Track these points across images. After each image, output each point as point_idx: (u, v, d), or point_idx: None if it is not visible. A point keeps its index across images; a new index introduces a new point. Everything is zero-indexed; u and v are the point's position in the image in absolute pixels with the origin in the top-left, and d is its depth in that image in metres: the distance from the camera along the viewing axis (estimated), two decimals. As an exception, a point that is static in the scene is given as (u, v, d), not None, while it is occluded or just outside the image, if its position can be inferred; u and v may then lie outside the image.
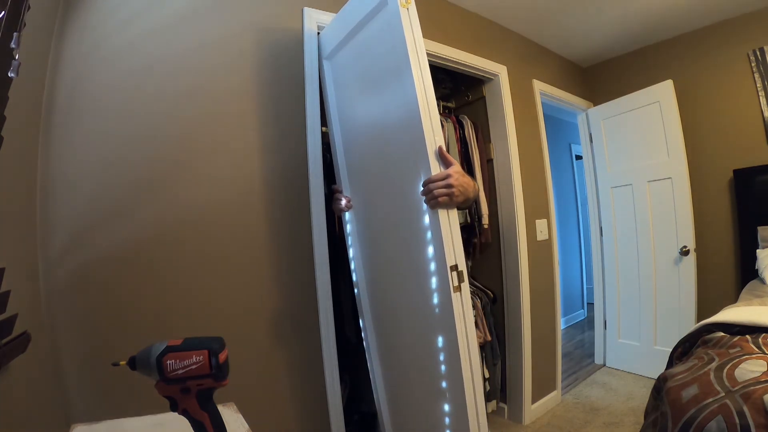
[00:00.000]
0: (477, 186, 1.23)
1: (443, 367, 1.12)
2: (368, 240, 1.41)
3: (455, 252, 1.09)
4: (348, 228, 1.47)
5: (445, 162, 1.09)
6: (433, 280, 1.12)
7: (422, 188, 1.09)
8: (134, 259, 1.16)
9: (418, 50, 1.10)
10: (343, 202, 1.43)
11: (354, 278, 1.48)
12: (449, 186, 1.05)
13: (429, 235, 1.12)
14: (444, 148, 1.10)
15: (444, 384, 1.13)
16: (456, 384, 1.08)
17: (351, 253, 1.47)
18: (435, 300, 1.12)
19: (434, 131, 1.10)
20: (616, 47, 2.85)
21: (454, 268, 1.07)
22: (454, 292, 1.06)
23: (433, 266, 1.12)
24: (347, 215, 1.46)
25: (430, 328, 1.15)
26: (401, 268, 1.26)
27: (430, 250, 1.12)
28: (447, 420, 1.13)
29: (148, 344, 0.59)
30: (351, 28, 1.31)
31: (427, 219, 1.12)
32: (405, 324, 1.28)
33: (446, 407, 1.14)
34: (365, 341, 1.47)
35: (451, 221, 1.10)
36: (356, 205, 1.43)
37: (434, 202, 1.07)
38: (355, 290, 1.48)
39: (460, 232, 1.11)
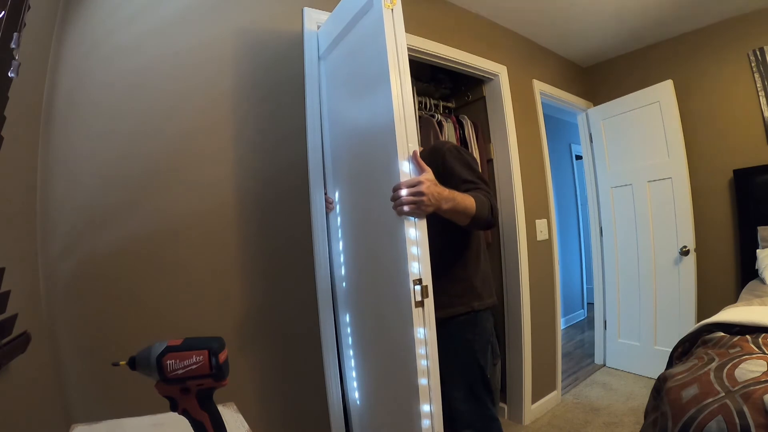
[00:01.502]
0: (469, 200, 1.10)
1: (416, 371, 1.06)
2: (353, 235, 1.42)
3: (420, 265, 1.03)
4: (338, 221, 1.49)
5: (418, 168, 1.04)
6: (405, 282, 1.06)
7: (392, 193, 1.04)
8: (135, 259, 1.16)
9: (399, 52, 1.08)
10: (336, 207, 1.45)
11: (342, 272, 1.48)
12: (419, 194, 0.99)
13: (400, 236, 1.07)
14: (417, 154, 1.04)
15: (416, 386, 1.06)
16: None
17: (340, 246, 1.48)
18: (405, 303, 1.06)
19: (407, 135, 1.05)
20: (616, 47, 2.85)
21: (418, 282, 1.01)
22: (416, 307, 1.01)
23: (403, 266, 1.06)
24: (337, 209, 1.48)
25: (403, 331, 1.09)
26: (379, 268, 1.23)
27: (400, 251, 1.07)
28: (426, 422, 1.08)
29: (148, 344, 0.59)
30: (342, 29, 1.32)
31: (398, 221, 1.07)
32: (383, 322, 1.25)
33: (423, 407, 1.08)
34: (350, 336, 1.47)
35: (418, 231, 1.04)
36: (342, 202, 1.45)
37: (400, 209, 1.01)
38: (343, 284, 1.48)
39: (428, 243, 1.05)
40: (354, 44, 1.27)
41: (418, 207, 1.00)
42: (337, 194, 1.48)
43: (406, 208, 1.00)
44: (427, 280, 1.04)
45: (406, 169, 1.05)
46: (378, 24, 1.09)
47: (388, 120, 1.06)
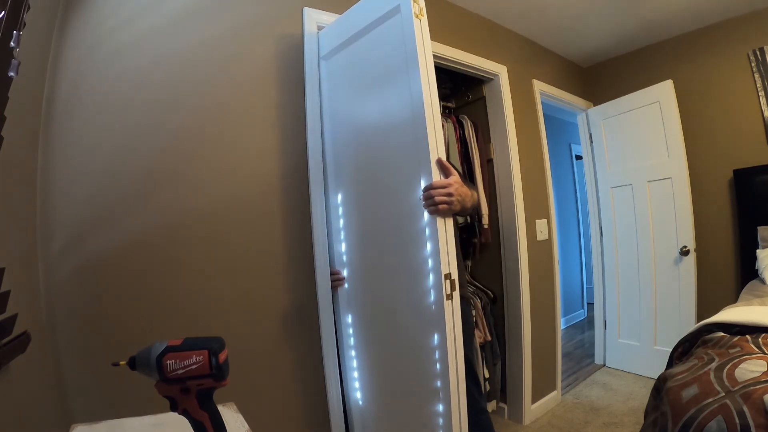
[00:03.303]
0: (476, 195, 1.28)
1: (437, 366, 1.14)
2: (359, 237, 1.42)
3: (449, 260, 1.11)
4: (341, 223, 1.48)
5: (445, 172, 1.12)
6: (429, 280, 1.14)
7: (422, 193, 1.11)
8: (135, 258, 1.16)
9: (428, 61, 1.14)
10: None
11: (345, 274, 1.48)
12: (450, 195, 1.08)
13: (425, 236, 1.14)
14: (444, 159, 1.13)
15: (436, 383, 1.14)
16: (443, 384, 1.11)
17: (342, 248, 1.48)
18: (431, 298, 1.13)
19: (437, 142, 1.13)
20: (616, 47, 2.85)
21: (448, 276, 1.09)
22: (446, 299, 1.08)
23: (429, 264, 1.14)
24: (339, 210, 1.47)
25: (424, 326, 1.16)
26: (394, 265, 1.27)
27: (426, 251, 1.14)
28: (440, 421, 1.14)
29: (148, 344, 0.59)
30: (355, 32, 1.33)
31: (423, 222, 1.14)
32: (397, 321, 1.29)
33: (439, 407, 1.14)
34: (352, 337, 1.47)
35: (447, 230, 1.12)
36: (347, 202, 1.45)
37: (434, 209, 1.09)
38: (345, 285, 1.48)
39: (454, 240, 1.14)
40: (370, 49, 1.30)
41: (449, 207, 1.09)
42: (339, 196, 1.47)
43: (438, 207, 1.08)
44: (455, 275, 1.11)
45: (436, 170, 1.12)
46: (407, 32, 1.14)
47: (419, 126, 1.13)
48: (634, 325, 2.74)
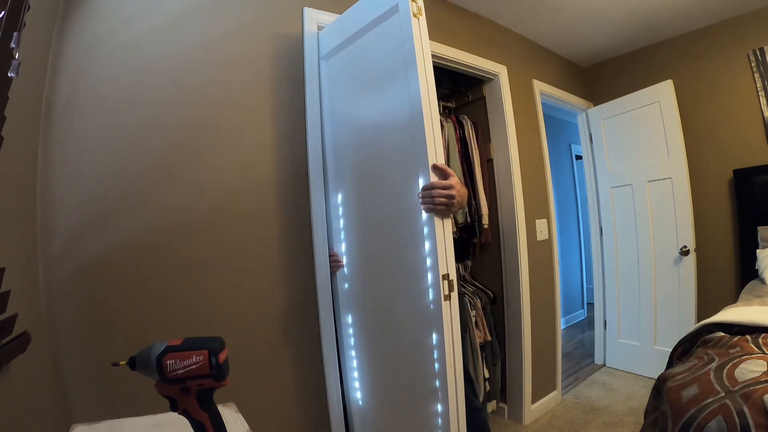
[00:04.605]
0: (468, 193, 1.29)
1: (435, 366, 1.14)
2: (359, 236, 1.42)
3: (447, 261, 1.10)
4: (341, 223, 1.48)
5: (444, 173, 1.12)
6: (428, 279, 1.14)
7: (421, 191, 1.11)
8: (135, 258, 1.16)
9: (425, 57, 1.14)
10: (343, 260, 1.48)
11: (345, 273, 1.49)
12: (451, 197, 1.08)
13: (424, 235, 1.14)
14: (444, 162, 1.14)
15: (434, 383, 1.14)
16: (442, 384, 1.11)
17: (343, 248, 1.48)
18: (429, 297, 1.14)
19: (435, 142, 1.12)
20: (616, 47, 2.85)
21: (446, 277, 1.09)
22: (444, 300, 1.08)
23: (428, 264, 1.14)
24: (340, 210, 1.48)
25: (423, 326, 1.17)
26: (394, 264, 1.27)
27: (424, 250, 1.14)
28: (439, 421, 1.14)
29: (148, 344, 0.59)
30: (354, 32, 1.33)
31: (422, 220, 1.14)
32: (396, 320, 1.29)
33: (438, 407, 1.14)
34: (352, 337, 1.48)
35: (445, 230, 1.12)
36: (347, 201, 1.45)
37: (432, 207, 1.09)
38: (345, 285, 1.48)
39: (452, 241, 1.14)
40: (369, 48, 1.30)
41: (448, 208, 1.09)
42: (339, 196, 1.47)
43: (437, 208, 1.08)
44: (453, 275, 1.11)
45: (434, 171, 1.12)
46: (405, 31, 1.14)
47: (417, 126, 1.12)
48: (634, 325, 2.74)
